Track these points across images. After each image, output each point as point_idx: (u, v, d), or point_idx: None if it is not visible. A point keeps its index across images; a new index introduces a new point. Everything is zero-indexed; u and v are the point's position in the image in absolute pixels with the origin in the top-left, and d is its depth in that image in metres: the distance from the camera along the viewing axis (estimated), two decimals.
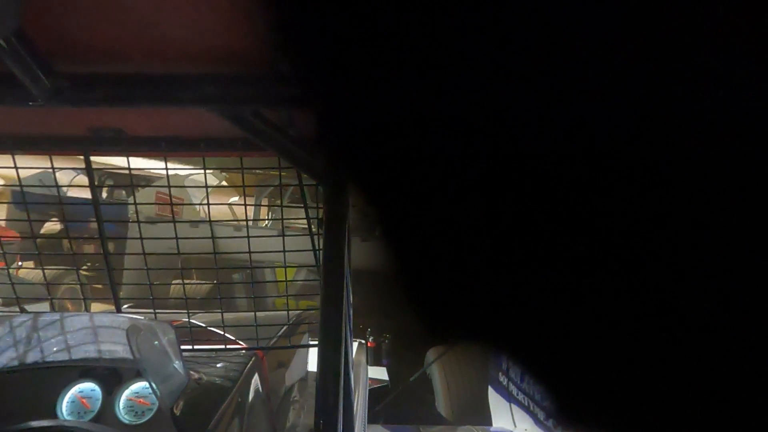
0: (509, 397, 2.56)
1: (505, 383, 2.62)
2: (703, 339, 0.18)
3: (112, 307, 1.35)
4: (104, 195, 4.40)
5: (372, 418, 2.62)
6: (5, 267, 1.30)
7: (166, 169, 1.20)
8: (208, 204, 1.30)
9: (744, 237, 0.16)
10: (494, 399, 2.73)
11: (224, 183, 3.83)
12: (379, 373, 3.20)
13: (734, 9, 0.15)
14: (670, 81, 0.16)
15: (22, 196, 1.24)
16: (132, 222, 1.27)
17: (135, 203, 1.21)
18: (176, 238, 1.28)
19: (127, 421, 1.13)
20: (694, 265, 0.17)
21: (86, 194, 1.24)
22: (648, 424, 0.20)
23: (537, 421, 2.24)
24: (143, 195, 3.59)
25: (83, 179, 1.21)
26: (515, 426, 2.47)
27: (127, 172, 1.21)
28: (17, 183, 1.24)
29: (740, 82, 0.15)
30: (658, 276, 0.18)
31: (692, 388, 0.18)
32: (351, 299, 1.10)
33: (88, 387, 1.17)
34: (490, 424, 2.72)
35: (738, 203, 0.16)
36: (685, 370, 0.18)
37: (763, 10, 0.15)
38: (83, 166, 1.18)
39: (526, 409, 2.35)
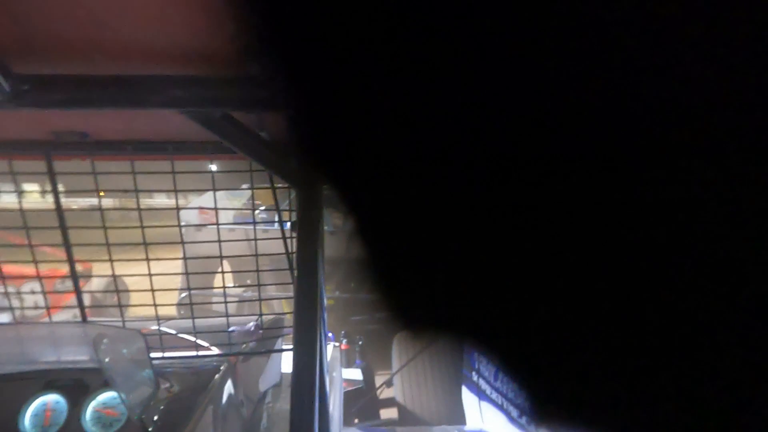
0: (482, 396, 2.58)
1: (477, 382, 2.64)
2: (678, 336, 0.18)
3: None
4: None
5: (347, 420, 2.62)
6: None
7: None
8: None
9: (737, 241, 0.17)
10: (467, 398, 2.75)
11: None
12: (354, 375, 3.19)
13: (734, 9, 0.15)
14: (668, 81, 0.16)
15: None
16: (107, 228, 1.23)
17: (101, 209, 1.18)
18: (145, 243, 1.25)
19: None
20: (673, 261, 0.18)
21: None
22: (621, 421, 0.20)
23: (510, 419, 2.27)
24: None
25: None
26: (488, 424, 2.50)
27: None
28: None
29: (741, 82, 0.16)
30: (635, 272, 0.18)
31: (667, 385, 0.19)
32: (325, 303, 1.09)
33: (52, 399, 1.14)
34: (463, 423, 2.74)
35: (737, 206, 0.17)
36: (660, 368, 0.19)
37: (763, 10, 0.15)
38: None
39: (500, 407, 2.38)
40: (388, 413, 3.13)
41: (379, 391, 3.16)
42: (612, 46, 0.16)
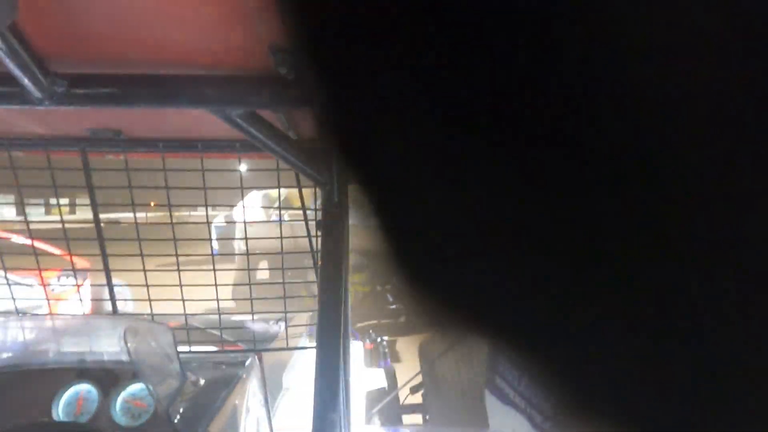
0: (505, 400, 2.55)
1: (501, 386, 2.61)
2: (708, 338, 0.18)
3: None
4: None
5: (369, 421, 2.62)
6: (1, 268, 1.29)
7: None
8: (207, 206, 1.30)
9: (745, 239, 0.16)
10: (491, 402, 2.72)
11: None
12: (377, 375, 3.19)
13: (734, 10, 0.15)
14: (673, 79, 0.16)
15: None
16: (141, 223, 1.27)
17: (133, 204, 1.21)
18: (174, 239, 1.28)
19: (123, 423, 1.13)
20: (697, 264, 0.17)
21: None
22: (648, 426, 0.20)
23: (534, 425, 2.24)
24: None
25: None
26: (511, 429, 2.47)
27: None
28: None
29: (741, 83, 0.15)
30: (662, 274, 0.18)
31: (696, 388, 0.18)
32: (349, 301, 1.10)
33: (84, 388, 1.17)
34: (486, 427, 2.72)
35: (737, 205, 0.16)
36: (689, 370, 0.18)
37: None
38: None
39: (523, 413, 2.35)
40: (411, 418, 3.11)
41: (402, 396, 3.14)
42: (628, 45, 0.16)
